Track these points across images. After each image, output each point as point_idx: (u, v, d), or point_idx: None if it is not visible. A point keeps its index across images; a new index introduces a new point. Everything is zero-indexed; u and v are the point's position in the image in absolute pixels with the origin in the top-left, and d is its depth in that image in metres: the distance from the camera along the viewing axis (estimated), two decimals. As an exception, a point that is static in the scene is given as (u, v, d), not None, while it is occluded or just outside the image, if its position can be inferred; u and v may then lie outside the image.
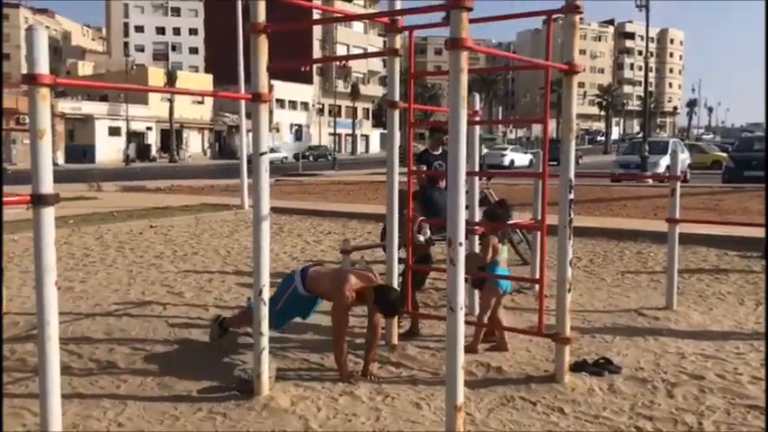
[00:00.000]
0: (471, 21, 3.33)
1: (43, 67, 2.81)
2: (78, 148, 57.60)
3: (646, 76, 35.53)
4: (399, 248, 5.24)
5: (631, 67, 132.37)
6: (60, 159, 53.66)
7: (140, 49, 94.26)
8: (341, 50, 78.42)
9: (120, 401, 4.08)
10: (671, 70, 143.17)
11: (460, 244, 3.26)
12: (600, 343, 5.25)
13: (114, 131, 60.73)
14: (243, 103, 16.32)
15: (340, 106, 74.56)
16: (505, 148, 46.86)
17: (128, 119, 60.16)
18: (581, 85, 56.65)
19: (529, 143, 70.99)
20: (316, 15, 55.88)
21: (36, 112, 2.83)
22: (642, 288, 7.26)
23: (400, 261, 5.28)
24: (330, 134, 71.04)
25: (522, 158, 43.15)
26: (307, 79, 76.04)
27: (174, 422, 3.80)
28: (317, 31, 76.98)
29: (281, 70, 62.85)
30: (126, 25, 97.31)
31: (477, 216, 6.01)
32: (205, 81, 69.37)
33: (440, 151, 7.46)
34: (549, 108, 4.65)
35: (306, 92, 77.21)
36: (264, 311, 4.08)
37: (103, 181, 25.18)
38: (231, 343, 5.24)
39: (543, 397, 4.11)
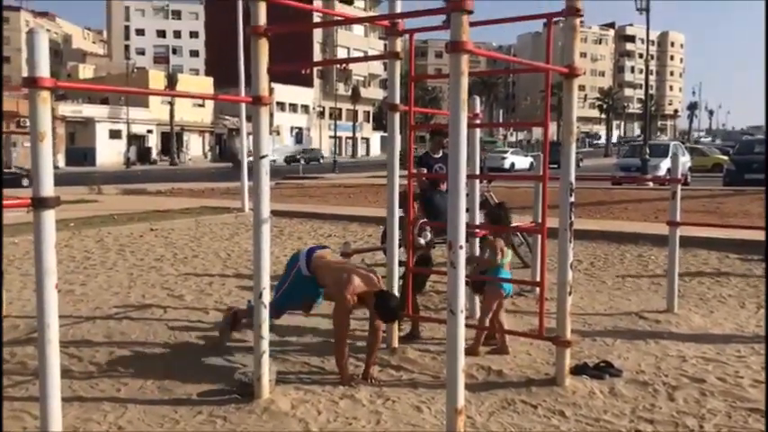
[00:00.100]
0: (472, 24, 3.33)
1: (44, 70, 2.81)
2: (79, 150, 57.67)
3: (646, 79, 35.56)
4: (400, 248, 5.25)
5: (632, 70, 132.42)
6: (61, 162, 53.74)
7: (141, 52, 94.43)
8: (341, 53, 78.52)
9: (121, 404, 4.07)
10: (671, 73, 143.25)
11: (461, 247, 3.26)
12: (601, 346, 5.25)
13: (115, 134, 60.80)
14: (243, 106, 16.33)
15: (340, 109, 74.59)
16: (506, 151, 46.85)
17: (128, 122, 60.23)
18: (581, 88, 56.63)
19: (529, 146, 71.03)
20: (316, 18, 55.99)
21: (37, 115, 2.83)
22: (643, 291, 7.26)
23: (400, 264, 5.27)
24: (330, 137, 71.00)
25: (522, 161, 43.16)
26: (307, 82, 76.10)
27: (174, 425, 3.80)
28: (318, 34, 77.04)
29: (282, 73, 62.99)
30: (127, 28, 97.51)
31: (478, 219, 6.00)
32: (206, 84, 69.43)
33: (440, 154, 7.46)
34: (549, 111, 4.66)
35: (306, 95, 77.27)
36: (265, 315, 4.08)
37: (104, 184, 25.15)
38: (231, 346, 5.24)
39: (544, 400, 4.10)
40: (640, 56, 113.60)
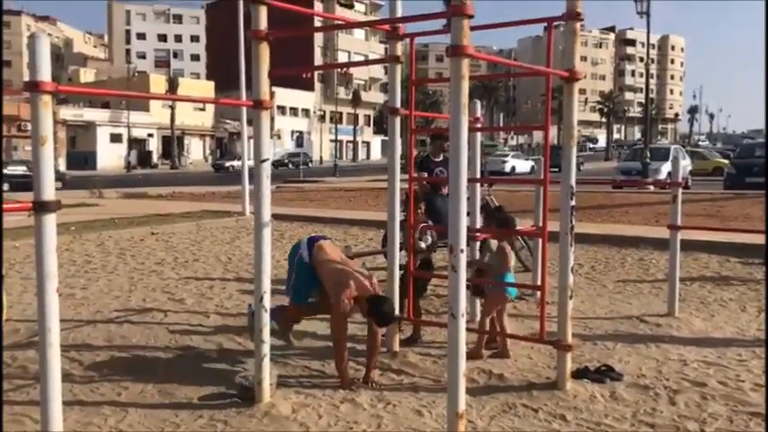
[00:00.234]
0: (472, 28, 3.34)
1: (45, 74, 2.82)
2: (80, 154, 57.73)
3: (647, 83, 35.50)
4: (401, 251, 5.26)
5: (632, 73, 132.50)
6: (62, 166, 53.73)
7: (142, 56, 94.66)
8: (342, 57, 78.57)
9: (121, 408, 4.07)
10: (672, 77, 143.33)
11: (462, 251, 3.26)
12: (602, 350, 5.24)
13: (116, 138, 60.86)
14: (244, 109, 16.36)
15: (341, 113, 74.66)
16: (507, 155, 46.86)
17: (129, 126, 60.31)
18: (582, 91, 56.65)
19: (530, 150, 71.00)
20: (317, 22, 56.06)
21: (38, 120, 2.84)
22: (644, 295, 7.25)
23: (400, 267, 5.27)
24: (331, 141, 71.09)
25: (523, 165, 43.17)
26: (308, 86, 76.21)
27: (174, 429, 3.79)
28: (319, 38, 77.14)
29: (283, 77, 62.99)
30: (128, 32, 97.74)
31: (479, 223, 6.00)
32: (206, 88, 69.53)
33: (441, 158, 7.46)
34: (550, 115, 4.67)
35: (307, 98, 77.36)
36: (266, 319, 4.07)
37: (105, 188, 25.19)
38: (232, 349, 5.23)
39: (545, 404, 4.10)
40: (641, 59, 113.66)
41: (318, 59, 75.20)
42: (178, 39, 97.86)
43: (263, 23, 3.96)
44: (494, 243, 5.46)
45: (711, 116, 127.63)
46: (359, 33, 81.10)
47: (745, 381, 4.49)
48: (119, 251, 10.41)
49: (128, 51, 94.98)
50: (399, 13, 4.80)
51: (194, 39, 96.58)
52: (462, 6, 3.15)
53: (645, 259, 9.34)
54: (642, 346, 5.32)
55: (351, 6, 79.92)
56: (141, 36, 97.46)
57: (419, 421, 3.87)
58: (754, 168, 21.19)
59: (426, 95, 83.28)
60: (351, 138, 79.47)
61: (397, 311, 5.11)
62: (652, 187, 21.66)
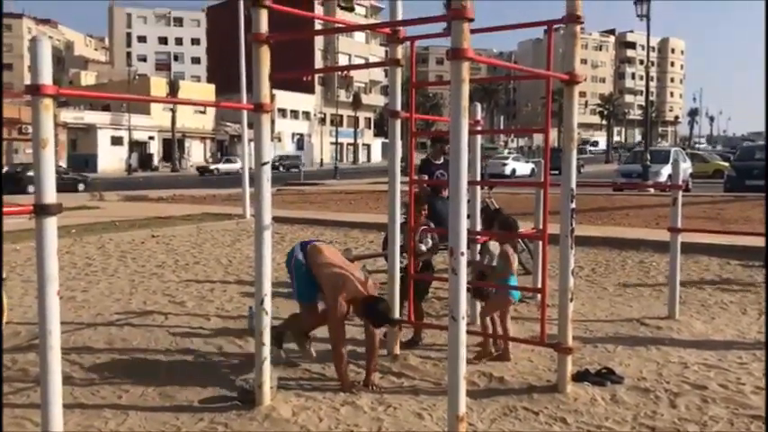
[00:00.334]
0: (472, 31, 3.35)
1: (46, 77, 2.83)
2: (81, 157, 57.71)
3: (647, 86, 35.53)
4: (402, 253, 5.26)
5: (632, 76, 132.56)
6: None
7: (143, 58, 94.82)
8: (342, 60, 78.62)
9: (122, 411, 4.07)
10: (672, 79, 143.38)
11: (462, 253, 3.26)
12: (602, 353, 5.24)
13: (116, 141, 60.89)
14: (245, 112, 16.37)
15: (342, 116, 74.68)
16: (507, 158, 46.90)
17: (130, 128, 60.35)
18: (582, 94, 56.73)
19: (530, 152, 71.01)
20: (318, 26, 56.09)
21: (39, 122, 2.84)
22: (644, 297, 7.25)
23: (401, 270, 5.28)
24: (332, 143, 71.13)
25: (523, 168, 43.18)
26: (308, 89, 76.24)
27: (175, 432, 3.79)
28: (319, 41, 77.20)
29: (283, 80, 63.05)
30: (129, 35, 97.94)
31: (479, 225, 6.01)
32: (207, 91, 69.58)
33: (441, 161, 7.47)
34: (550, 117, 4.67)
35: (308, 101, 77.39)
36: (266, 321, 4.07)
37: (105, 190, 25.21)
38: (232, 353, 5.23)
39: (545, 407, 4.10)
40: (641, 62, 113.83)
41: (319, 62, 75.29)
42: (179, 42, 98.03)
43: (263, 27, 3.97)
44: (493, 245, 5.46)
45: (711, 119, 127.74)
46: (359, 36, 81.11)
47: (745, 384, 4.49)
48: (119, 254, 10.41)
49: (129, 54, 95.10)
50: (400, 17, 4.81)
51: (195, 42, 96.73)
52: (463, 10, 3.16)
53: (645, 262, 9.34)
54: (643, 348, 5.32)
55: (351, 9, 79.97)
56: (142, 39, 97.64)
57: (420, 424, 3.87)
58: (754, 171, 21.19)
59: (427, 98, 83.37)
60: (351, 140, 79.53)
61: (397, 314, 5.12)
62: (652, 190, 21.66)
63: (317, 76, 79.40)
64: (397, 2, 4.75)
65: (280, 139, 69.08)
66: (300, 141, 49.26)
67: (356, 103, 76.62)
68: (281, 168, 52.62)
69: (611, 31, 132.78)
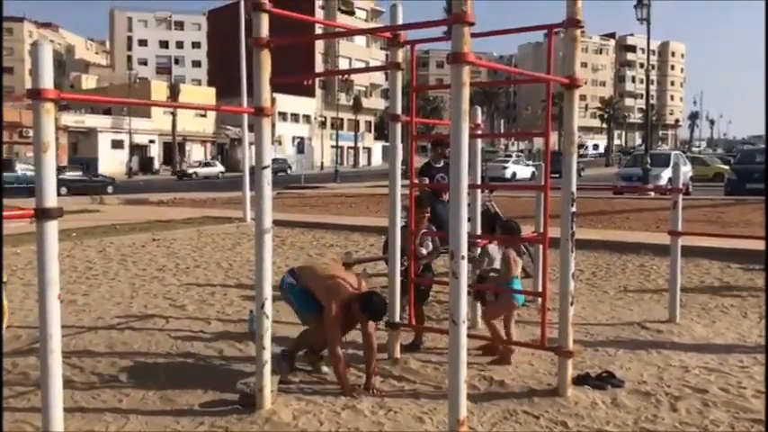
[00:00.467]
0: (473, 35, 3.35)
1: (48, 81, 2.83)
2: (81, 161, 57.68)
3: (647, 89, 35.60)
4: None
5: (633, 79, 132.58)
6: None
7: (143, 62, 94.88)
8: (343, 64, 78.75)
9: (123, 415, 4.07)
10: (672, 83, 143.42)
11: (463, 257, 3.26)
12: (603, 356, 5.23)
13: (117, 144, 60.93)
14: (245, 116, 16.39)
15: (342, 119, 74.75)
16: (507, 160, 46.96)
17: (131, 132, 60.40)
18: (582, 97, 56.83)
19: (530, 155, 71.07)
20: (318, 30, 56.09)
21: (40, 126, 2.85)
22: (645, 301, 7.24)
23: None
24: (332, 147, 71.16)
25: (524, 171, 43.21)
26: (309, 92, 76.28)
27: (175, 436, 3.79)
28: (320, 44, 77.25)
29: (284, 83, 63.09)
30: (129, 39, 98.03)
31: (480, 229, 6.01)
32: (208, 94, 69.64)
33: (441, 164, 7.47)
34: (550, 121, 4.68)
35: (308, 105, 77.43)
36: (267, 325, 4.07)
37: (106, 194, 25.22)
38: (233, 356, 5.23)
39: (546, 411, 4.09)
40: (641, 65, 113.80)
41: (319, 66, 75.34)
42: (179, 45, 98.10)
43: (264, 31, 3.97)
44: (491, 248, 5.46)
45: (712, 122, 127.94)
46: (360, 40, 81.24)
47: (746, 387, 4.49)
48: (120, 257, 10.41)
49: (129, 58, 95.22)
50: (400, 21, 4.82)
51: (196, 45, 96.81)
52: (463, 14, 3.17)
53: (646, 265, 9.34)
54: (643, 352, 5.32)
55: (352, 13, 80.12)
56: (143, 42, 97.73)
57: (420, 428, 3.86)
58: (754, 174, 21.21)
59: (427, 101, 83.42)
60: (352, 144, 79.57)
61: (398, 317, 5.12)
62: (653, 193, 21.66)
63: (317, 79, 79.42)
64: (398, 6, 4.76)
65: (280, 143, 69.09)
66: (301, 145, 49.13)
67: (357, 107, 76.67)
68: None
69: (612, 35, 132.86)
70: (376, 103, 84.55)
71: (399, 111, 5.03)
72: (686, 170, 24.81)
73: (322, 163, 73.85)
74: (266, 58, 4.00)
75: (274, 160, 59.72)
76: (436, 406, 4.14)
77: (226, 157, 70.60)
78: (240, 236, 13.20)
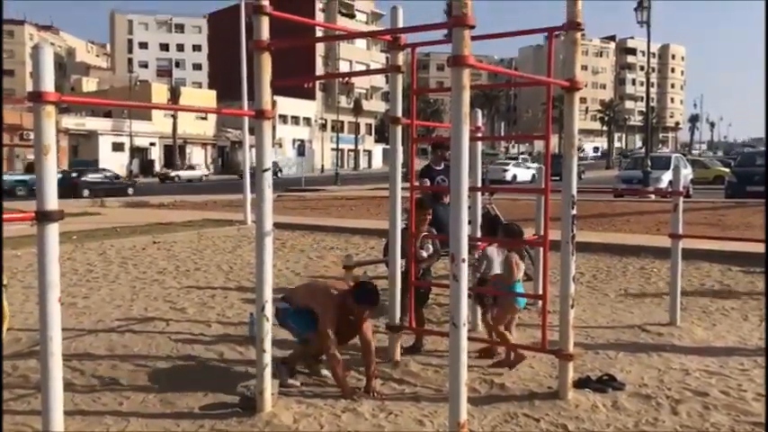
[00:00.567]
0: (473, 38, 3.35)
1: (49, 84, 2.83)
2: (82, 163, 57.78)
3: (647, 92, 35.54)
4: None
5: (633, 82, 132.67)
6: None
7: (144, 65, 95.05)
8: (343, 66, 78.78)
9: (123, 418, 4.07)
10: (672, 85, 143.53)
11: (463, 260, 3.26)
12: (603, 359, 5.23)
13: (118, 147, 60.98)
14: (246, 119, 16.40)
15: (343, 122, 74.83)
16: (507, 163, 46.97)
17: (131, 135, 60.46)
18: (583, 100, 56.82)
19: (531, 158, 71.15)
20: (319, 32, 56.21)
21: (41, 129, 2.85)
22: (645, 304, 7.24)
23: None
24: (333, 149, 71.21)
25: (524, 174, 43.21)
26: (309, 95, 76.39)
27: (176, 439, 3.79)
28: (320, 47, 77.36)
29: (284, 86, 63.16)
30: (130, 41, 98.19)
31: (480, 232, 6.01)
32: (208, 97, 69.72)
33: (442, 167, 7.47)
34: (550, 124, 4.68)
35: (309, 107, 77.53)
36: (267, 327, 4.07)
37: (107, 196, 25.23)
38: (233, 359, 5.23)
39: (547, 414, 4.09)
40: (641, 68, 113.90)
41: (320, 68, 75.42)
42: (180, 48, 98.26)
43: (264, 34, 3.98)
44: (490, 251, 5.46)
45: (712, 125, 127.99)
46: (360, 43, 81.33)
47: (747, 390, 4.48)
48: (120, 260, 10.42)
49: (130, 61, 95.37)
50: (401, 24, 4.83)
51: (196, 48, 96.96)
52: (463, 17, 3.17)
53: (646, 268, 9.34)
54: (644, 355, 5.31)
55: (352, 16, 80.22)
56: (143, 45, 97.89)
57: (421, 431, 3.86)
58: (755, 177, 21.20)
59: (427, 104, 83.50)
60: (352, 146, 79.65)
61: (398, 320, 5.12)
62: (653, 196, 21.66)
63: (318, 82, 79.49)
64: (399, 9, 4.77)
65: (281, 145, 69.18)
66: (301, 147, 49.19)
67: (357, 110, 76.73)
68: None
69: (612, 38, 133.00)
70: (376, 105, 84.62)
71: (400, 113, 5.04)
72: (687, 173, 24.80)
73: (322, 166, 73.89)
74: (267, 60, 4.00)
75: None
76: (437, 409, 4.14)
77: (226, 159, 70.68)
78: (241, 238, 13.20)
